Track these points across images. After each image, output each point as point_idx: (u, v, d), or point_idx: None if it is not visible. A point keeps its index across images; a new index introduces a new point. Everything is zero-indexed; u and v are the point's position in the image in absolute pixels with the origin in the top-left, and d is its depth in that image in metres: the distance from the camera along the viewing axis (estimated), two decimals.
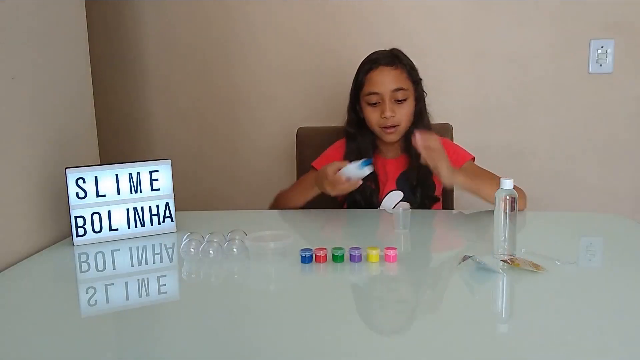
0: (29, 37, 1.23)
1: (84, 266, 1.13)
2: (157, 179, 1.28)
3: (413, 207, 1.44)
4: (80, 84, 1.48)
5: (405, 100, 1.42)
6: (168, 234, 1.29)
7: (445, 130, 1.66)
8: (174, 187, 1.30)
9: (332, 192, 1.31)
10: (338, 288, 0.97)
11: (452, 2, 1.91)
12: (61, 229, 1.29)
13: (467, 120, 1.94)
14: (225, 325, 0.82)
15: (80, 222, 1.21)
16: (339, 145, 1.54)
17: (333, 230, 1.40)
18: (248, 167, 2.08)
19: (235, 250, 1.08)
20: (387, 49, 1.49)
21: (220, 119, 2.06)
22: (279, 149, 2.05)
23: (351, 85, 1.50)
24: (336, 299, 0.92)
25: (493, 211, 1.04)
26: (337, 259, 1.03)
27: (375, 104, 1.43)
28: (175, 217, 1.30)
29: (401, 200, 1.48)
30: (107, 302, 0.95)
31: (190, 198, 2.01)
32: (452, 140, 1.66)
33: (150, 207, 1.28)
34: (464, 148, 1.54)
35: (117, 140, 2.09)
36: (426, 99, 1.51)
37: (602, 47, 1.88)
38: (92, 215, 1.22)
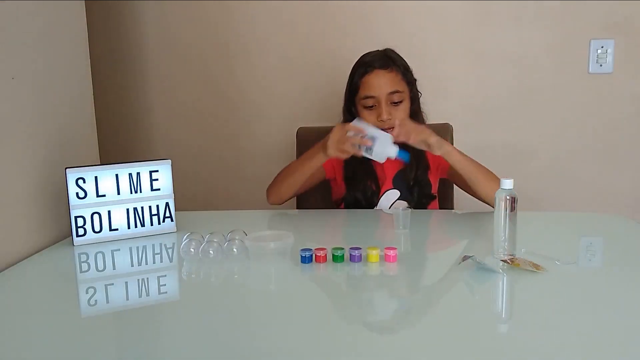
0: (29, 37, 1.23)
1: (84, 266, 1.13)
2: (157, 179, 1.28)
3: (410, 206, 1.45)
4: (80, 84, 1.48)
5: (401, 102, 1.42)
6: (168, 234, 1.29)
7: (445, 130, 1.66)
8: (174, 187, 1.30)
9: (332, 149, 1.30)
10: (338, 288, 0.97)
11: (452, 2, 1.91)
12: (61, 229, 1.29)
13: (467, 120, 1.94)
14: (225, 325, 0.82)
15: (80, 222, 1.21)
16: None
17: (333, 230, 1.40)
18: (248, 167, 2.08)
19: (235, 250, 1.08)
20: (380, 50, 1.48)
21: (220, 119, 2.06)
22: (279, 148, 2.05)
23: (346, 87, 1.50)
24: (336, 299, 0.92)
25: (493, 211, 1.04)
26: (337, 259, 1.03)
27: (372, 107, 1.42)
28: (175, 217, 1.30)
29: (398, 199, 1.48)
30: (107, 302, 0.95)
31: (190, 198, 2.01)
32: (452, 141, 1.66)
33: (150, 207, 1.28)
34: (460, 148, 1.52)
35: (117, 140, 2.09)
36: (426, 99, 1.51)
37: (602, 47, 1.88)
38: (92, 215, 1.22)
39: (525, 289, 0.93)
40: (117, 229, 1.25)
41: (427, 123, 1.53)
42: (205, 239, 1.10)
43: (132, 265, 1.13)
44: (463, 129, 1.79)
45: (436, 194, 1.53)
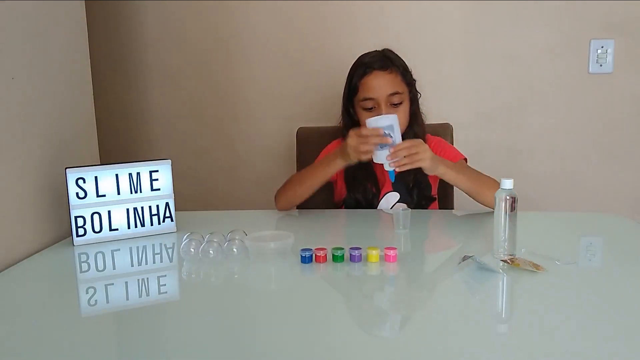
0: (29, 37, 1.23)
1: (84, 266, 1.13)
2: (157, 179, 1.28)
3: (410, 207, 1.44)
4: (80, 84, 1.48)
5: (400, 103, 1.41)
6: (168, 234, 1.29)
7: (445, 130, 1.66)
8: (174, 187, 1.30)
9: (353, 154, 1.27)
10: (338, 288, 0.97)
11: (452, 2, 1.91)
12: (61, 229, 1.29)
13: (467, 120, 1.94)
14: (225, 325, 0.82)
15: (80, 222, 1.21)
16: (339, 143, 1.53)
17: (333, 230, 1.40)
18: (248, 167, 2.09)
19: (235, 250, 1.08)
20: (378, 50, 1.47)
21: (220, 119, 2.06)
22: (279, 149, 2.05)
23: (344, 88, 1.49)
24: (336, 299, 0.92)
25: (493, 211, 1.04)
26: (337, 259, 1.03)
27: (371, 108, 1.41)
28: (175, 217, 1.30)
29: (398, 202, 1.48)
30: (107, 302, 0.95)
31: (190, 198, 2.01)
32: (452, 140, 1.67)
33: (150, 207, 1.28)
34: (460, 147, 1.53)
35: (117, 140, 2.09)
36: (426, 99, 1.51)
37: (602, 47, 1.88)
38: (92, 215, 1.22)
39: (525, 289, 0.93)
40: (117, 229, 1.25)
41: (426, 123, 1.54)
42: (205, 239, 1.10)
43: (132, 265, 1.13)
44: (463, 129, 1.79)
45: (436, 196, 1.52)
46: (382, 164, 1.29)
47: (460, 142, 1.61)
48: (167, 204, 1.29)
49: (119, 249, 1.20)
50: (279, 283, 1.02)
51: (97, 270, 1.11)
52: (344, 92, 1.49)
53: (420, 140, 1.27)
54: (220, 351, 0.74)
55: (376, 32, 1.93)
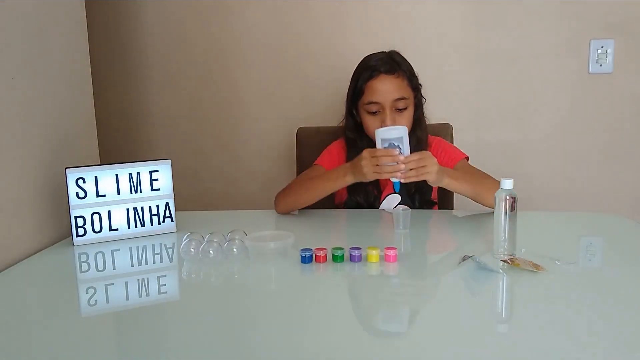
0: (29, 37, 1.23)
1: (84, 266, 1.13)
2: (157, 179, 1.28)
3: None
4: (80, 84, 1.48)
5: (405, 108, 1.40)
6: (168, 234, 1.29)
7: (445, 130, 1.66)
8: (174, 187, 1.30)
9: (370, 173, 1.25)
10: (338, 288, 0.97)
11: (452, 2, 1.91)
12: (61, 229, 1.29)
13: (467, 120, 1.94)
14: (225, 325, 0.82)
15: (80, 222, 1.21)
16: (341, 144, 1.53)
17: (333, 230, 1.40)
18: (248, 167, 2.09)
19: (235, 250, 1.08)
20: (385, 52, 1.46)
21: (220, 119, 2.06)
22: (279, 149, 2.05)
23: (348, 88, 1.47)
24: (336, 299, 0.92)
25: (493, 211, 1.04)
26: (337, 259, 1.03)
27: (375, 112, 1.40)
28: (175, 217, 1.30)
29: (399, 204, 1.48)
30: (107, 302, 0.95)
31: (190, 198, 2.01)
32: (452, 140, 1.67)
33: (150, 207, 1.28)
34: (460, 147, 1.53)
35: (117, 140, 2.09)
36: (426, 99, 1.51)
37: (602, 47, 1.88)
38: (92, 215, 1.22)
39: (525, 289, 0.93)
40: (117, 229, 1.25)
41: (427, 123, 1.53)
42: (205, 239, 1.10)
43: (132, 265, 1.13)
44: (463, 128, 1.79)
45: (436, 200, 1.52)
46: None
47: (460, 142, 1.61)
48: (167, 204, 1.29)
49: (119, 249, 1.20)
50: (279, 283, 1.02)
51: (97, 270, 1.11)
52: (348, 93, 1.48)
53: (429, 153, 1.26)
54: (220, 351, 0.74)
55: (376, 32, 1.93)
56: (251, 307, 0.89)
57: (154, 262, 1.15)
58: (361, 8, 1.93)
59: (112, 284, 1.03)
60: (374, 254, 1.03)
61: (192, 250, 1.08)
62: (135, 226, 1.27)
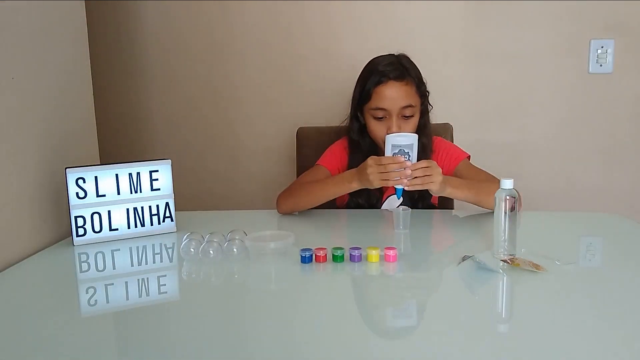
0: (29, 37, 1.23)
1: (84, 266, 1.13)
2: (157, 179, 1.28)
3: None
4: (80, 84, 1.48)
5: (412, 116, 1.39)
6: (168, 234, 1.29)
7: (445, 130, 1.66)
8: (174, 187, 1.30)
9: (376, 181, 1.25)
10: (338, 288, 0.97)
11: (452, 2, 1.91)
12: (61, 229, 1.29)
13: (467, 120, 1.94)
14: (225, 325, 0.82)
15: (80, 222, 1.21)
16: (343, 144, 1.53)
17: (333, 230, 1.40)
18: (248, 167, 2.09)
19: (235, 250, 1.08)
20: (394, 55, 1.43)
21: (220, 119, 2.06)
22: (279, 149, 2.05)
23: (354, 90, 1.46)
24: (336, 299, 0.92)
25: (493, 211, 1.04)
26: (337, 259, 1.03)
27: (381, 118, 1.39)
28: (175, 217, 1.30)
29: (400, 204, 1.47)
30: (107, 302, 0.95)
31: (190, 198, 2.01)
32: (452, 140, 1.66)
33: (150, 207, 1.28)
34: (461, 147, 1.53)
35: (117, 140, 2.09)
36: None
37: (602, 47, 1.88)
38: (92, 215, 1.22)
39: (525, 289, 0.93)
40: (117, 229, 1.25)
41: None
42: (205, 239, 1.10)
43: (132, 265, 1.13)
44: (463, 129, 1.79)
45: (437, 204, 1.52)
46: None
47: (461, 142, 1.61)
48: (167, 204, 1.29)
49: (119, 249, 1.20)
50: (279, 283, 1.02)
51: (97, 270, 1.11)
52: (353, 95, 1.46)
53: (435, 163, 1.26)
54: (220, 351, 0.74)
55: (376, 32, 1.93)
56: (251, 307, 0.89)
57: (154, 262, 1.15)
58: (362, 8, 1.93)
59: (112, 284, 1.03)
60: (374, 254, 1.03)
61: (192, 250, 1.08)
62: (135, 226, 1.27)
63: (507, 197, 1.01)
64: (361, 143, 1.47)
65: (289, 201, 1.43)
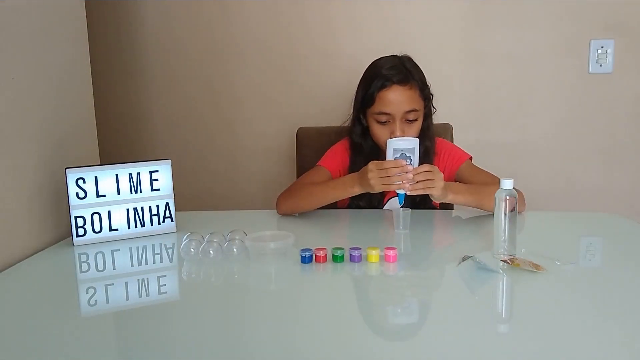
0: (29, 37, 1.23)
1: (84, 266, 1.13)
2: (157, 179, 1.28)
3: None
4: (80, 84, 1.48)
5: (415, 120, 1.38)
6: (168, 234, 1.29)
7: (445, 130, 1.66)
8: (174, 187, 1.30)
9: (378, 185, 1.24)
10: (338, 288, 0.97)
11: (452, 2, 1.91)
12: (61, 229, 1.29)
13: (467, 120, 1.94)
14: (225, 325, 0.82)
15: (80, 222, 1.21)
16: (344, 145, 1.52)
17: (333, 230, 1.40)
18: (248, 167, 2.09)
19: (235, 250, 1.08)
20: (397, 56, 1.42)
21: (220, 119, 2.06)
22: (279, 149, 2.05)
23: (356, 92, 1.45)
24: (336, 299, 0.92)
25: (493, 212, 1.04)
26: (337, 259, 1.03)
27: (385, 122, 1.38)
28: (175, 217, 1.30)
29: (402, 206, 1.47)
30: (107, 302, 0.95)
31: (190, 198, 2.01)
32: (452, 140, 1.66)
33: (150, 207, 1.28)
34: (461, 147, 1.53)
35: (117, 140, 2.09)
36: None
37: (602, 47, 1.88)
38: (92, 215, 1.22)
39: (525, 289, 0.93)
40: (117, 229, 1.25)
41: None
42: (205, 239, 1.10)
43: (132, 265, 1.13)
44: (463, 128, 1.79)
45: (438, 206, 1.52)
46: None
47: (461, 142, 1.61)
48: (167, 204, 1.29)
49: (119, 249, 1.20)
50: (279, 283, 1.02)
51: (97, 270, 1.11)
52: (356, 98, 1.45)
53: (437, 168, 1.25)
54: (220, 351, 0.74)
55: (376, 32, 1.93)
56: (251, 307, 0.89)
57: (154, 262, 1.15)
58: (362, 8, 1.93)
59: (112, 284, 1.03)
60: (374, 254, 1.03)
61: (192, 250, 1.08)
62: (135, 226, 1.27)
63: (507, 197, 1.01)
64: (363, 145, 1.47)
65: (288, 202, 1.43)
